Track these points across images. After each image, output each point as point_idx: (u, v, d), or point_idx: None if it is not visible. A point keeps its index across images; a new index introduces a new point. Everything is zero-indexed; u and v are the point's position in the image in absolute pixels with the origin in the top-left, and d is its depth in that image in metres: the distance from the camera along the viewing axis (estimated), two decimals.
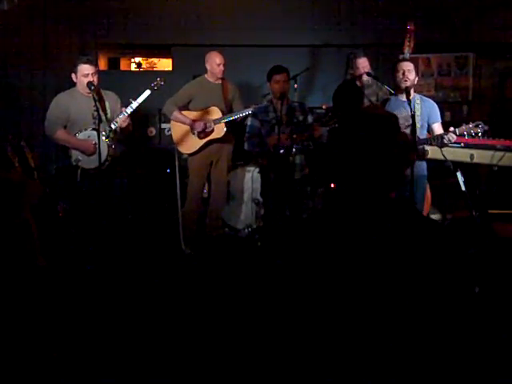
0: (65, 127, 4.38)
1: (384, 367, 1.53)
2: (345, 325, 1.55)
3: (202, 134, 4.88)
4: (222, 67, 4.88)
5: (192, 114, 4.92)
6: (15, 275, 3.77)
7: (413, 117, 3.80)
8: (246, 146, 4.81)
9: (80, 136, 4.34)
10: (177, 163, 5.23)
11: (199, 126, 4.84)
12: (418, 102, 4.14)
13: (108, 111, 4.43)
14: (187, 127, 4.90)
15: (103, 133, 4.27)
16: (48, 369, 2.94)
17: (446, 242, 1.57)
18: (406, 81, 4.02)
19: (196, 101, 4.92)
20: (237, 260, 4.79)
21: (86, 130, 4.34)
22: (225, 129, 4.87)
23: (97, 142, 4.14)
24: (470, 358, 1.60)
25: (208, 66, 4.93)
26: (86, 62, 4.33)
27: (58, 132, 4.34)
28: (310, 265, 1.65)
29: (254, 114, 4.75)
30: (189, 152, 4.97)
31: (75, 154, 4.33)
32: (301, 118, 4.67)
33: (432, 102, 4.27)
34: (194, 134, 4.90)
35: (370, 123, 1.61)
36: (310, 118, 4.72)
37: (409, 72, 4.03)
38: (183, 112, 4.93)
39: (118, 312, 3.61)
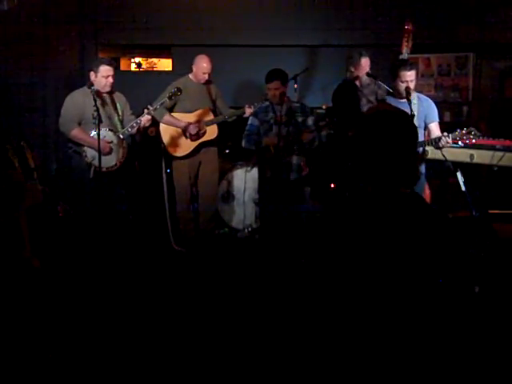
0: (79, 124, 4.44)
1: (384, 368, 1.53)
2: (345, 324, 1.55)
3: (195, 136, 4.86)
4: (205, 76, 4.85)
5: (183, 116, 4.87)
6: (5, 275, 3.78)
7: (412, 117, 3.80)
8: (243, 143, 4.88)
9: (96, 135, 4.34)
10: (164, 165, 5.19)
11: (193, 129, 4.81)
12: (415, 101, 4.11)
13: (119, 112, 4.54)
14: (178, 130, 4.86)
15: (120, 135, 4.41)
16: (43, 369, 2.94)
17: (453, 238, 1.58)
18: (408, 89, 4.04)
19: (182, 102, 4.85)
20: (236, 260, 4.79)
21: (100, 129, 4.35)
22: (217, 130, 4.86)
23: (113, 142, 4.37)
24: (470, 358, 1.60)
25: (194, 68, 4.88)
26: (108, 64, 4.44)
27: (74, 130, 4.40)
28: (311, 264, 1.66)
29: (255, 113, 4.80)
30: (181, 154, 4.92)
31: (90, 152, 4.36)
32: (300, 119, 4.68)
33: (429, 100, 4.25)
34: (186, 136, 4.87)
35: (391, 120, 1.63)
36: (310, 120, 4.73)
37: (411, 82, 4.04)
38: (174, 114, 4.88)
39: (115, 313, 3.61)
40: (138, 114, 4.64)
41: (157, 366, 3.00)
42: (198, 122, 4.85)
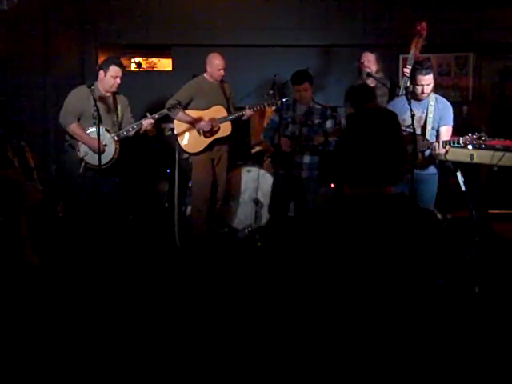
0: (78, 119, 4.49)
1: (384, 367, 1.53)
2: (344, 324, 1.55)
3: (208, 132, 4.91)
4: (221, 72, 4.93)
5: (197, 114, 4.93)
6: (5, 273, 3.78)
7: (413, 117, 3.81)
8: (262, 136, 5.00)
9: (92, 133, 4.43)
10: (177, 163, 5.22)
11: (206, 126, 4.86)
12: (432, 103, 4.12)
13: (119, 114, 4.59)
14: (192, 126, 4.92)
15: (115, 137, 4.48)
16: (42, 369, 2.94)
17: (442, 237, 1.59)
18: (423, 94, 4.08)
19: (197, 100, 4.94)
20: (237, 260, 4.79)
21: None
22: (231, 127, 4.92)
23: (107, 143, 4.43)
24: (470, 358, 1.61)
25: (208, 68, 4.96)
26: (119, 65, 4.50)
27: (73, 125, 4.46)
28: (309, 264, 1.66)
29: (277, 110, 4.85)
30: (195, 151, 4.98)
31: (83, 148, 4.44)
32: (316, 121, 4.70)
33: (447, 103, 4.23)
34: (199, 133, 4.91)
35: (376, 118, 1.64)
36: (329, 123, 4.72)
37: (427, 86, 4.07)
38: (187, 112, 4.94)
39: (115, 312, 3.61)
40: (137, 115, 4.69)
41: (157, 365, 3.00)
42: (212, 118, 4.89)
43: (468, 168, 4.54)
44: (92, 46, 6.54)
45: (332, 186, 5.42)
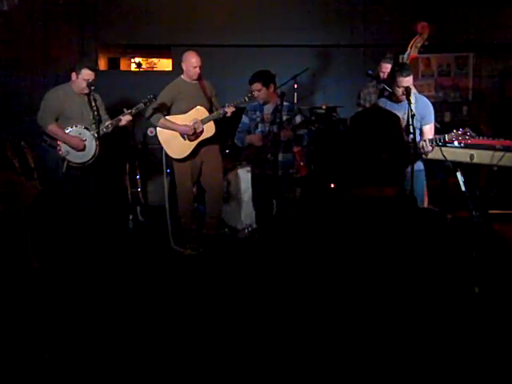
0: (56, 120, 4.50)
1: (384, 367, 1.53)
2: (344, 324, 1.55)
3: (193, 136, 4.84)
4: (197, 70, 4.80)
5: (178, 118, 4.85)
6: (9, 276, 3.77)
7: (413, 117, 3.80)
8: (235, 140, 4.94)
9: (72, 132, 4.46)
10: (164, 167, 5.18)
11: (189, 130, 4.80)
12: (413, 101, 4.11)
13: (95, 112, 4.48)
14: (175, 132, 4.85)
15: (95, 134, 4.43)
16: (41, 369, 2.94)
17: (445, 238, 1.59)
18: (404, 95, 4.04)
19: (178, 103, 4.84)
20: (237, 260, 4.79)
21: (76, 126, 4.47)
22: (214, 126, 4.83)
23: (87, 139, 4.46)
24: (470, 358, 1.60)
25: (183, 66, 4.86)
26: (91, 69, 4.45)
27: (52, 125, 4.46)
28: (309, 264, 1.66)
29: (246, 112, 4.82)
30: (182, 156, 4.90)
31: (64, 147, 4.45)
32: (285, 118, 4.65)
33: (426, 101, 4.22)
34: (184, 138, 4.87)
35: (377, 120, 1.64)
36: (297, 119, 4.70)
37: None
38: (169, 117, 4.86)
39: (113, 312, 3.60)
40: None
41: (156, 365, 3.00)
42: (194, 121, 4.83)
43: (468, 168, 4.54)
44: (92, 45, 6.54)
45: (332, 186, 5.41)
